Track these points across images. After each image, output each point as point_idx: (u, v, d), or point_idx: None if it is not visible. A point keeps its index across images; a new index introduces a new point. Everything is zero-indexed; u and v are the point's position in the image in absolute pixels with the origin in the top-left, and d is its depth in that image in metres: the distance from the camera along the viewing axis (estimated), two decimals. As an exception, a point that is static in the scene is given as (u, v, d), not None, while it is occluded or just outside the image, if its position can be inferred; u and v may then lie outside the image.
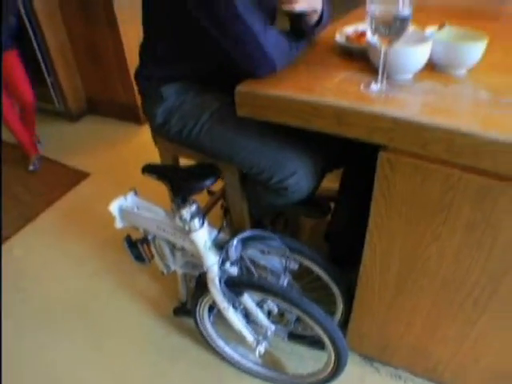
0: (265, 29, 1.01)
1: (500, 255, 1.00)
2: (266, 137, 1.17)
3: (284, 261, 1.33)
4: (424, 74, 1.05)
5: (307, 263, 1.37)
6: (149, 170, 1.29)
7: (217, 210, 1.89)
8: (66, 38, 3.23)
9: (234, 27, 0.98)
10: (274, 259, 1.37)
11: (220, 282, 1.22)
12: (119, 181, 2.58)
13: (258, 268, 1.40)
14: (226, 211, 1.70)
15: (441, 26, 1.13)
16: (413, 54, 1.00)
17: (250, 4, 1.00)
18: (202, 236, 1.20)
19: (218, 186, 1.74)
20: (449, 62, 1.06)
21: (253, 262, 1.39)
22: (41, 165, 2.92)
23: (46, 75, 3.31)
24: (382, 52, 0.94)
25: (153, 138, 1.50)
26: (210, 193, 1.94)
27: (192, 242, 1.22)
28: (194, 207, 1.18)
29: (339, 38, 1.23)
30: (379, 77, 0.98)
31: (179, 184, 1.21)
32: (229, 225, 1.57)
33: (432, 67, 1.07)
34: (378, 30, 0.90)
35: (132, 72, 1.36)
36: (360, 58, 1.13)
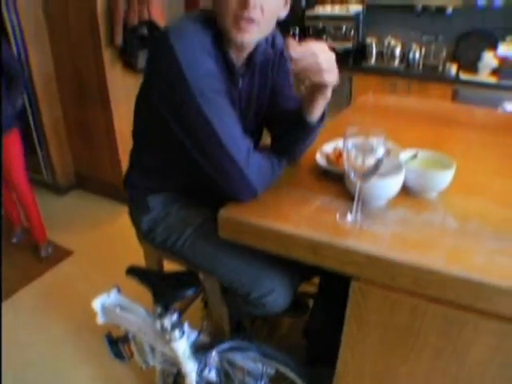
0: (247, 156, 1.07)
1: (466, 381, 1.04)
2: (246, 256, 1.22)
3: (261, 365, 1.35)
4: (398, 200, 1.13)
5: (282, 369, 1.39)
6: (133, 272, 1.33)
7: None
8: (60, 114, 3.36)
9: (218, 157, 1.05)
10: (253, 362, 1.39)
11: (197, 389, 1.24)
12: (102, 261, 2.60)
13: (236, 369, 1.42)
14: (207, 303, 1.73)
15: (414, 156, 1.23)
16: (387, 185, 1.09)
17: (233, 130, 1.07)
18: (182, 345, 1.23)
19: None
20: (421, 188, 1.16)
21: (231, 363, 1.41)
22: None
23: (37, 147, 3.40)
24: (357, 187, 1.03)
25: (138, 239, 1.55)
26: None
27: (172, 350, 1.25)
28: (174, 317, 1.22)
29: (319, 157, 1.31)
30: (354, 208, 1.06)
31: (161, 292, 1.25)
32: (209, 325, 1.60)
33: (406, 191, 1.16)
34: (354, 170, 0.99)
35: (121, 152, 1.41)
36: (338, 180, 1.21)
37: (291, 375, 1.41)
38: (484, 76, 3.40)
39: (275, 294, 1.21)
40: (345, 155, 0.99)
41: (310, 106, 1.15)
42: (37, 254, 2.76)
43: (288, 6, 1.16)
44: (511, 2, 3.38)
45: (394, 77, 3.59)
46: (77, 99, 3.21)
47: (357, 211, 1.06)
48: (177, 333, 1.21)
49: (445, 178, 1.13)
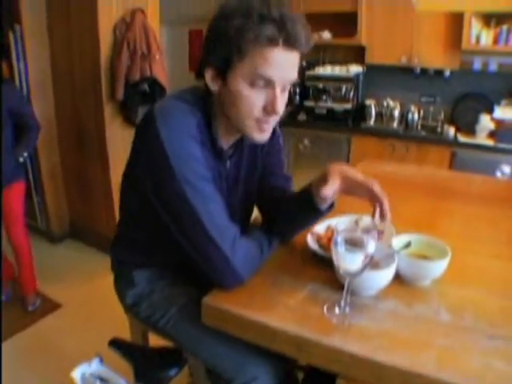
0: (233, 244, 1.05)
1: None
2: (230, 341, 1.17)
3: None
4: (389, 289, 1.08)
5: None
6: (115, 345, 1.29)
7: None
8: (58, 161, 3.38)
9: (203, 245, 1.03)
10: None
11: None
12: (91, 317, 2.54)
13: None
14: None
15: (407, 245, 1.20)
16: (378, 277, 1.05)
17: (218, 218, 1.05)
18: None
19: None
20: (414, 277, 1.12)
21: None
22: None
23: (33, 192, 3.39)
24: (346, 282, 1.00)
25: (125, 312, 1.51)
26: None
27: None
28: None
29: (310, 239, 1.28)
30: (342, 302, 1.02)
31: (143, 370, 1.21)
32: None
33: (399, 279, 1.12)
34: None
35: (117, 206, 1.38)
36: (329, 265, 1.14)
37: None
38: (482, 138, 3.44)
39: (258, 382, 1.16)
40: (333, 251, 0.97)
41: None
42: (24, 306, 2.69)
43: None
44: (505, 68, 3.50)
45: (392, 138, 3.63)
46: (76, 148, 3.24)
47: (345, 305, 1.02)
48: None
49: (439, 267, 1.10)
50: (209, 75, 1.07)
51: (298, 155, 3.98)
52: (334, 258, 0.98)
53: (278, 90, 1.02)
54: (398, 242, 1.18)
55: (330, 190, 1.06)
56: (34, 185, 3.37)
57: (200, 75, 1.09)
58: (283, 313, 1.02)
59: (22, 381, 2.17)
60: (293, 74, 1.05)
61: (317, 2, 3.80)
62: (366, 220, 1.34)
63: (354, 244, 0.95)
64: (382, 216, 1.06)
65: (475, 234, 1.45)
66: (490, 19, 3.36)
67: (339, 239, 0.95)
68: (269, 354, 1.20)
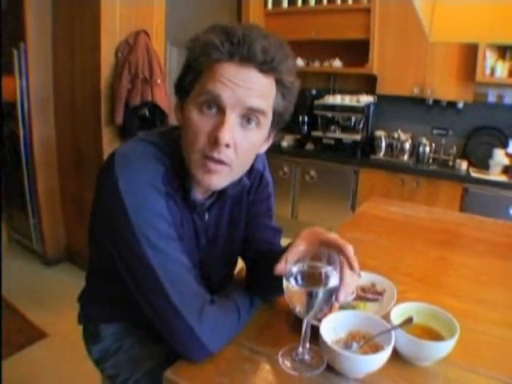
0: (200, 316, 0.89)
1: None
2: None
3: None
4: (382, 370, 0.88)
5: None
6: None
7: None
8: (56, 184, 3.26)
9: (165, 313, 0.88)
10: None
11: None
12: (77, 349, 2.36)
13: None
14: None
15: (408, 321, 1.01)
16: (368, 361, 0.86)
17: (183, 284, 0.90)
18: None
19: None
20: (415, 357, 0.93)
21: None
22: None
23: (30, 213, 3.27)
24: (304, 324, 0.87)
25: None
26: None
27: None
28: None
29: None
30: (300, 348, 0.89)
31: None
32: None
33: (396, 356, 0.92)
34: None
35: None
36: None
37: None
38: (495, 174, 3.29)
39: None
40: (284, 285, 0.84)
41: None
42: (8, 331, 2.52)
43: (270, 140, 1.00)
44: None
45: (402, 172, 3.48)
46: (74, 172, 3.12)
47: (304, 352, 0.88)
48: None
49: (445, 347, 0.90)
50: (176, 109, 0.93)
51: (305, 186, 3.84)
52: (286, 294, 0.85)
53: (228, 117, 0.84)
54: (397, 312, 1.00)
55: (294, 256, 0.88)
56: (30, 206, 3.25)
57: None
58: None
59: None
60: (251, 98, 0.84)
61: (328, 28, 3.69)
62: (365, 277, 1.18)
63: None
64: (351, 268, 0.88)
65: (487, 295, 1.26)
66: (506, 51, 3.25)
67: (294, 270, 0.82)
68: None
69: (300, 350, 0.89)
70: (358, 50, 3.66)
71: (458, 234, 1.75)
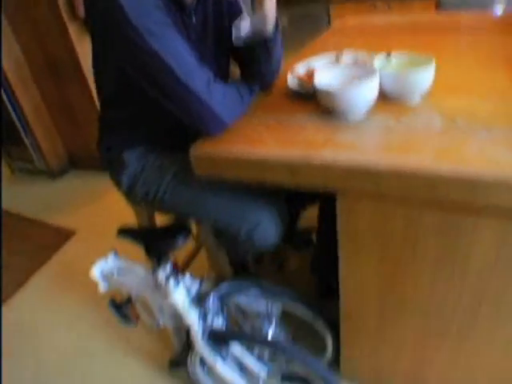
0: (208, 87, 1.01)
1: (472, 286, 1.01)
2: (226, 194, 1.19)
3: (266, 305, 1.33)
4: (376, 108, 1.06)
5: (289, 304, 1.37)
6: (123, 233, 1.31)
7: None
8: (40, 99, 3.28)
9: (177, 92, 1.00)
10: (258, 302, 1.37)
11: (203, 337, 1.23)
12: (106, 234, 2.54)
13: (244, 314, 1.40)
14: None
15: (387, 55, 1.15)
16: (361, 92, 1.00)
17: (189, 63, 1.01)
18: (180, 296, 1.21)
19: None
20: (400, 92, 1.08)
21: (237, 307, 1.39)
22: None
23: (23, 136, 3.34)
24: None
25: (126, 199, 1.53)
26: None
27: (171, 301, 1.23)
28: (167, 268, 1.19)
29: (291, 80, 1.26)
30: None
31: (152, 246, 1.23)
32: (212, 274, 1.58)
33: (385, 98, 1.08)
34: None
35: None
36: (312, 99, 1.14)
37: (299, 309, 1.39)
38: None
39: (263, 227, 1.18)
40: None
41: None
42: (40, 240, 2.74)
43: None
44: None
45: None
46: (52, 80, 3.12)
47: None
48: (171, 283, 1.18)
49: (425, 77, 1.04)
50: None
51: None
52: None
53: None
54: (377, 60, 1.14)
55: None
56: (21, 128, 3.30)
57: None
58: (271, 143, 1.01)
59: (57, 305, 2.26)
60: None
61: None
62: (347, 55, 1.30)
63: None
64: None
65: (463, 54, 1.39)
66: None
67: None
68: (268, 199, 1.22)
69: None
70: None
71: (437, 26, 1.83)
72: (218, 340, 1.26)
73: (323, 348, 1.53)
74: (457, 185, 0.82)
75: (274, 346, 1.23)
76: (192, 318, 1.23)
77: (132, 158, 1.29)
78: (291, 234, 1.76)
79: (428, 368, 1.33)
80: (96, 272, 1.42)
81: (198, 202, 1.21)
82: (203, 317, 1.24)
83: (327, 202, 1.48)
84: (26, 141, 3.36)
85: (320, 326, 1.43)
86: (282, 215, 1.22)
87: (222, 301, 1.28)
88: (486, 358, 1.18)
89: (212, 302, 1.22)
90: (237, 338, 1.28)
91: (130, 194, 1.35)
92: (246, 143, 1.03)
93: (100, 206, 3.00)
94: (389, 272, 1.08)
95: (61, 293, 2.33)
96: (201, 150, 1.05)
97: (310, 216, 1.74)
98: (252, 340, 1.26)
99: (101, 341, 1.99)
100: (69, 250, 2.66)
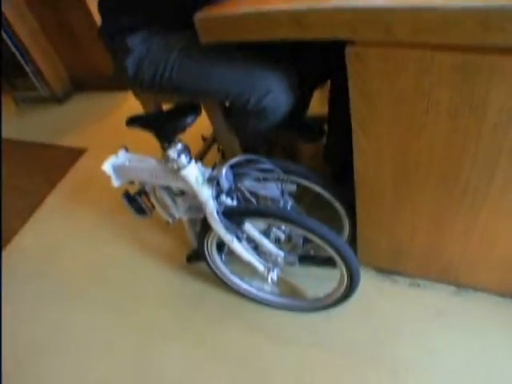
0: None
1: (489, 141, 0.97)
2: (234, 61, 1.17)
3: (280, 185, 1.33)
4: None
5: (304, 183, 1.37)
6: (132, 121, 1.29)
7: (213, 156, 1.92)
8: (35, 24, 3.21)
9: None
10: (272, 186, 1.37)
11: (218, 214, 1.23)
12: (116, 148, 2.58)
13: (258, 199, 1.41)
14: (223, 153, 1.72)
15: None
16: None
17: None
18: (192, 172, 1.21)
19: (210, 130, 1.74)
20: None
21: (252, 193, 1.39)
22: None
23: (23, 65, 3.28)
24: None
25: (132, 92, 1.50)
26: (204, 139, 1.98)
27: (184, 180, 1.23)
28: (179, 146, 1.18)
29: None
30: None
31: (162, 128, 1.21)
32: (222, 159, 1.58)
33: None
34: None
35: None
36: None
37: (314, 187, 1.39)
38: None
39: (273, 94, 1.16)
40: None
41: None
42: (52, 161, 2.76)
43: None
44: None
45: None
46: (47, 4, 3.03)
47: None
48: (183, 158, 1.18)
49: None
50: None
51: None
52: None
53: None
54: None
55: None
56: (21, 57, 3.24)
57: None
58: (279, 2, 0.95)
59: (76, 218, 2.32)
60: None
61: None
62: None
63: None
64: None
65: None
66: None
67: None
68: (277, 65, 1.19)
69: None
70: None
71: None
72: (233, 218, 1.27)
73: (340, 229, 1.55)
74: (469, 21, 0.77)
75: (288, 218, 1.23)
76: (206, 194, 1.23)
77: (136, 42, 1.26)
78: (302, 124, 1.74)
79: (443, 241, 1.33)
80: (107, 167, 1.42)
81: (207, 75, 1.19)
82: (217, 194, 1.25)
83: (337, 79, 1.46)
84: (27, 69, 3.32)
85: (336, 205, 1.44)
86: (293, 84, 1.19)
87: (235, 179, 1.27)
88: (503, 224, 1.18)
89: (225, 175, 1.21)
90: (251, 214, 1.29)
91: (135, 80, 1.32)
92: (252, 3, 0.98)
93: (107, 124, 3.00)
94: (403, 130, 1.05)
95: (76, 207, 2.37)
96: (207, 14, 1.01)
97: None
98: (267, 215, 1.26)
99: (120, 247, 2.04)
100: (81, 166, 2.69)
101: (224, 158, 1.72)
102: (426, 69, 0.91)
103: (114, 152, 1.44)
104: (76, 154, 2.77)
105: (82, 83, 3.48)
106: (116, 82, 3.19)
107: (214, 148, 1.92)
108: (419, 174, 1.15)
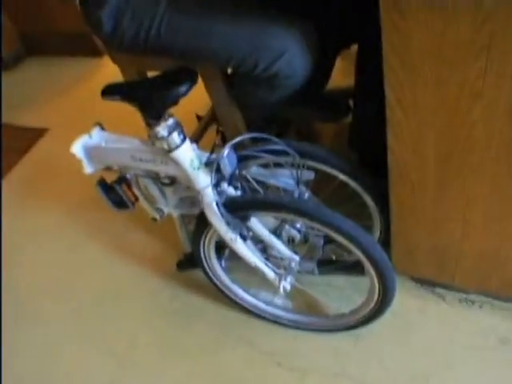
0: None
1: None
2: (238, 15, 1.18)
3: (295, 172, 1.33)
4: None
5: (324, 169, 1.38)
6: (109, 91, 1.29)
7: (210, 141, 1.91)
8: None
9: None
10: (284, 174, 1.39)
11: (218, 206, 1.25)
12: (85, 127, 2.59)
13: (267, 189, 1.43)
14: (224, 135, 1.74)
15: None
16: None
17: None
18: (186, 153, 1.23)
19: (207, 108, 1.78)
20: None
21: (260, 182, 1.41)
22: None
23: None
24: None
25: (109, 55, 1.52)
26: (199, 118, 1.98)
27: (176, 164, 1.25)
28: (170, 121, 1.19)
29: None
30: None
31: (148, 99, 1.22)
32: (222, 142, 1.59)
33: None
34: None
35: None
36: None
37: (337, 174, 1.40)
38: None
39: (287, 56, 1.17)
40: None
41: None
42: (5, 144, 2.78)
43: None
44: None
45: None
46: None
47: None
48: (175, 136, 1.19)
49: None
50: None
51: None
52: None
53: None
54: None
55: None
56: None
57: None
58: None
59: (37, 208, 2.34)
60: None
61: None
62: None
63: None
64: None
65: None
66: None
67: None
68: (292, 20, 1.20)
69: None
70: None
71: None
72: (236, 211, 1.29)
73: (369, 228, 1.55)
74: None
75: (303, 210, 1.24)
76: (203, 181, 1.26)
77: None
78: (322, 98, 1.74)
79: (506, 240, 1.31)
80: (77, 149, 1.45)
81: (204, 31, 1.20)
82: (217, 182, 1.27)
83: (368, 39, 1.47)
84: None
85: (365, 197, 1.45)
86: (313, 44, 1.19)
87: (239, 164, 1.29)
88: None
89: (227, 157, 1.22)
90: (259, 206, 1.31)
91: (114, 38, 1.33)
92: None
93: (73, 98, 3.01)
94: (451, 99, 1.03)
95: (36, 202, 2.39)
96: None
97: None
98: (276, 207, 1.27)
99: (94, 248, 2.06)
100: (41, 150, 2.72)
101: (224, 141, 1.73)
102: (486, 17, 0.86)
103: (82, 132, 1.45)
104: (34, 134, 2.79)
105: (35, 45, 3.47)
106: (83, 43, 3.19)
107: (212, 130, 1.90)
108: (472, 154, 1.13)
